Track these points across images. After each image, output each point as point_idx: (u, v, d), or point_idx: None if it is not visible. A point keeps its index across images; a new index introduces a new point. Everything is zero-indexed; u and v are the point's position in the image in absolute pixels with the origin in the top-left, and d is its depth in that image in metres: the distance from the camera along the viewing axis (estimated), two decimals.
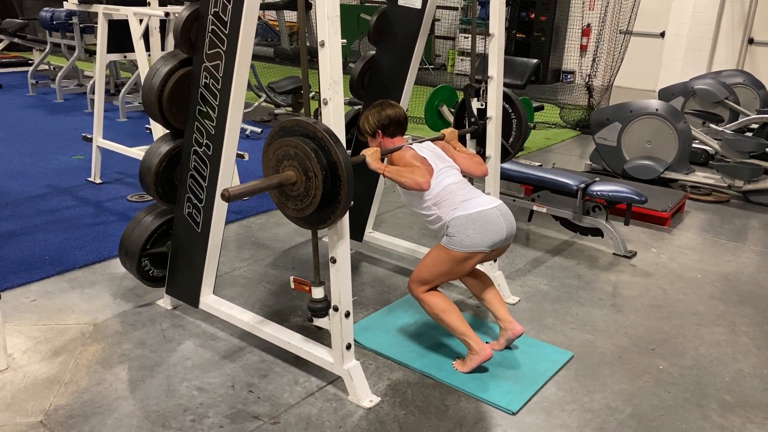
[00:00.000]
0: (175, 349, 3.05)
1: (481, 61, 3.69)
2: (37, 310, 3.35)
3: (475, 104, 3.53)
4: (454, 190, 2.90)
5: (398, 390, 2.82)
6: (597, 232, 4.47)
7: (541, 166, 6.16)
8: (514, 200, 4.78)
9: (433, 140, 3.17)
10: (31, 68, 8.80)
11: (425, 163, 2.91)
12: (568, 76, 11.86)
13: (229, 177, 2.99)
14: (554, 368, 3.02)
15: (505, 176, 4.73)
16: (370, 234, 4.15)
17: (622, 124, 5.98)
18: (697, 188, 5.75)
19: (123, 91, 7.42)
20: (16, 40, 9.23)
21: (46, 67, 9.55)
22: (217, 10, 2.72)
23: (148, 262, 3.27)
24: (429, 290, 2.93)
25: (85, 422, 2.54)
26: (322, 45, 2.37)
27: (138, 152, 4.88)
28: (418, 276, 2.92)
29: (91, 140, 5.17)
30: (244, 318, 3.10)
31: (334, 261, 2.63)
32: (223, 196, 2.29)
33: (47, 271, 3.71)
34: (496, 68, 3.40)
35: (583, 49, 11.47)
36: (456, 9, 12.43)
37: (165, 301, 3.42)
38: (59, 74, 8.25)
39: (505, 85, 6.01)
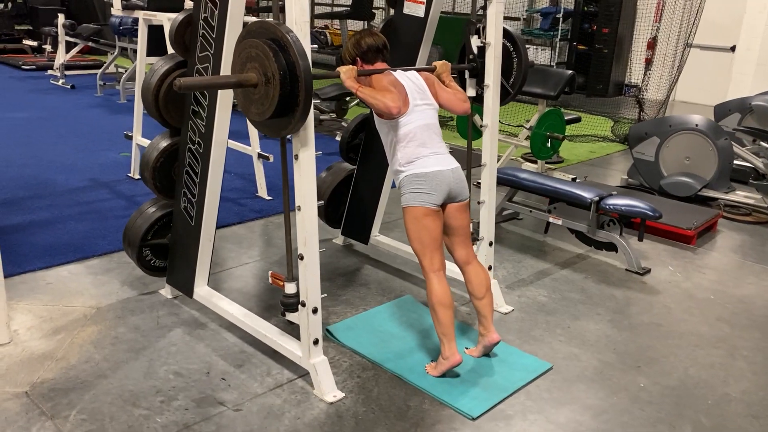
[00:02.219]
0: (165, 336, 3.22)
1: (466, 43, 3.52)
2: (50, 291, 3.60)
3: (475, 41, 3.40)
4: (421, 136, 2.91)
5: (365, 388, 2.88)
6: (611, 247, 4.37)
7: (575, 179, 6.08)
8: (530, 211, 4.74)
9: (421, 70, 3.13)
10: (100, 70, 9.36)
11: (402, 92, 2.90)
12: (631, 90, 11.54)
13: (218, 174, 3.14)
14: (528, 378, 2.99)
15: (521, 186, 4.70)
16: (376, 237, 4.22)
17: (661, 139, 5.81)
18: (737, 207, 5.51)
19: None
20: (90, 43, 9.84)
21: (116, 69, 10.11)
22: (206, 15, 2.87)
23: (150, 252, 3.46)
24: (437, 270, 2.91)
25: (65, 396, 2.72)
26: None
27: None
28: (413, 250, 2.97)
29: (132, 138, 5.48)
30: (231, 310, 3.23)
31: (301, 258, 2.72)
32: (174, 85, 2.31)
33: (68, 257, 3.97)
34: (492, 77, 3.40)
35: (648, 62, 11.15)
36: (518, 19, 12.34)
37: (167, 291, 3.60)
38: (123, 76, 8.75)
39: (537, 95, 5.96)
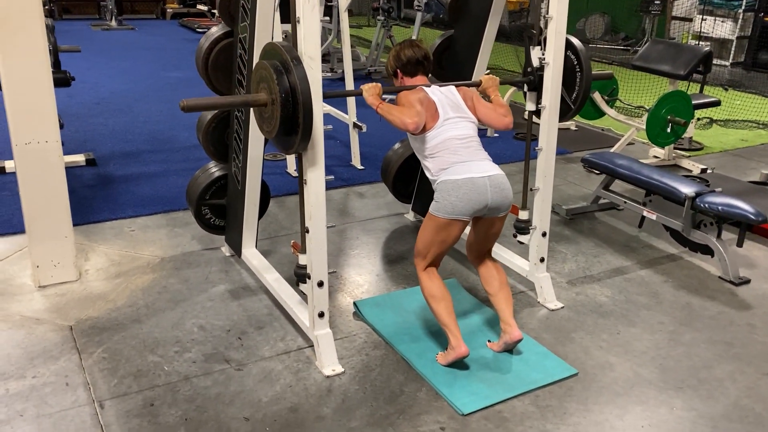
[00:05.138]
0: (207, 290, 3.42)
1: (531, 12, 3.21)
2: (129, 238, 3.96)
3: (536, 53, 3.18)
4: (452, 146, 2.83)
5: (367, 366, 2.86)
6: (708, 250, 3.88)
7: (705, 169, 5.47)
8: (625, 202, 4.33)
9: (461, 86, 3.03)
10: None
11: (431, 108, 2.86)
12: None
13: (259, 142, 3.24)
14: (543, 381, 2.79)
15: (616, 173, 4.31)
16: None
17: None
18: None
19: None
20: None
21: None
22: None
23: (209, 211, 3.67)
24: (428, 268, 2.91)
25: (99, 334, 3.01)
26: (298, 21, 2.45)
27: None
28: (415, 248, 2.94)
29: None
30: (266, 273, 3.35)
31: (307, 231, 2.74)
32: (180, 105, 2.40)
33: (156, 209, 4.34)
34: (552, 55, 3.12)
35: None
36: None
37: (227, 249, 3.81)
38: None
39: (664, 74, 5.40)
